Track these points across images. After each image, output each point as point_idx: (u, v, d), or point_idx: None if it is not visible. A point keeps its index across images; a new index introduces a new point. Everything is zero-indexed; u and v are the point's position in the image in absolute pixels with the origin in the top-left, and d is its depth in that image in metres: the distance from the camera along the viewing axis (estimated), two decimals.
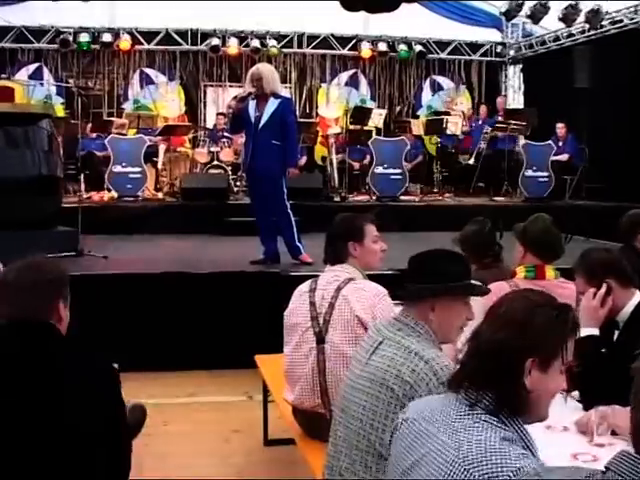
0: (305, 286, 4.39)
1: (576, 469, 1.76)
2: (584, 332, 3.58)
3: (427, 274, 3.14)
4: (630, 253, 5.99)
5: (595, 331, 3.74)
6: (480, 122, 16.26)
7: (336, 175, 13.92)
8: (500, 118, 15.45)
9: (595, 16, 14.13)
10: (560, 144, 14.32)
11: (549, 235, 4.78)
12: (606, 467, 1.63)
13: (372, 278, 4.47)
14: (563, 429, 3.42)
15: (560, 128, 14.49)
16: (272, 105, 8.44)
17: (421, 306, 3.10)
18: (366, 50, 17.56)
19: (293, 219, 8.67)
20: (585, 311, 3.73)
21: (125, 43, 16.43)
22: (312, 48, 17.72)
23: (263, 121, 8.43)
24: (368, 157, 13.93)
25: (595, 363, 3.43)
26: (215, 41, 16.78)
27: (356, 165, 14.43)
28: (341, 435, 3.17)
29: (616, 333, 3.88)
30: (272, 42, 17.02)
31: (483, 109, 16.85)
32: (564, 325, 2.23)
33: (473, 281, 3.23)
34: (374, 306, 4.07)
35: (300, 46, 17.64)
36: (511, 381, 2.17)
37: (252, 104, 8.42)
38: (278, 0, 15.52)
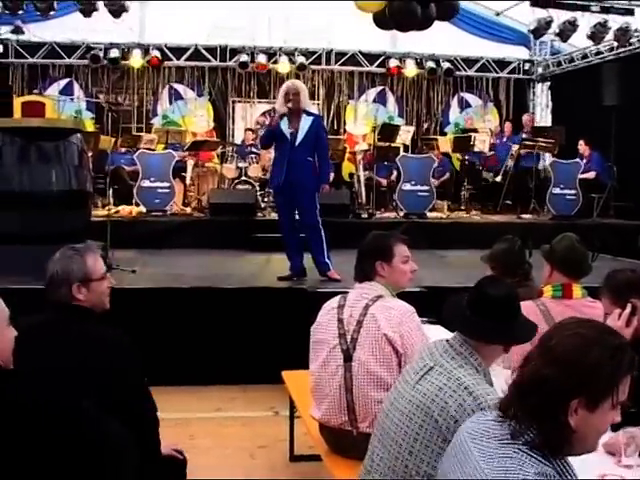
0: (334, 302, 4.38)
1: None
2: None
3: (496, 313, 3.09)
4: None
5: None
6: (505, 139, 16.23)
7: (363, 192, 13.94)
8: (525, 135, 15.41)
9: (624, 34, 14.10)
10: (584, 161, 14.26)
11: (575, 253, 4.75)
12: None
13: (399, 296, 4.48)
14: None
15: (581, 145, 14.45)
16: (306, 122, 8.52)
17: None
18: (394, 67, 17.60)
19: (324, 235, 8.69)
20: None
21: (155, 59, 16.55)
22: (340, 65, 17.79)
23: (299, 138, 8.50)
24: (395, 174, 13.93)
25: None
26: (244, 57, 16.90)
27: (383, 182, 14.44)
28: (379, 454, 3.16)
29: None
30: (301, 58, 17.10)
31: (508, 126, 16.82)
32: (618, 366, 2.15)
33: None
34: (402, 324, 4.07)
35: (328, 62, 17.71)
36: (554, 419, 2.13)
37: (284, 120, 8.48)
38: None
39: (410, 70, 17.70)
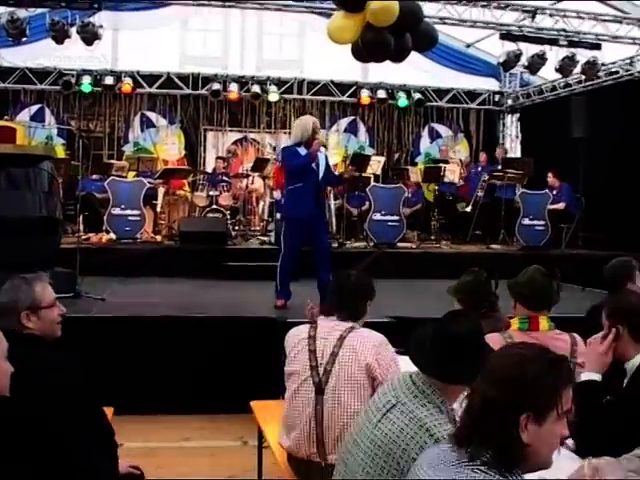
0: (302, 332, 4.39)
1: None
2: (585, 376, 3.60)
3: (460, 352, 3.06)
4: None
5: (597, 376, 3.74)
6: (480, 169, 16.36)
7: (334, 221, 13.95)
8: (500, 167, 15.54)
9: (591, 67, 14.28)
10: (554, 192, 14.38)
11: (535, 285, 4.77)
12: None
13: (369, 326, 4.51)
14: None
15: (550, 177, 14.59)
16: (322, 157, 8.90)
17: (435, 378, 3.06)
18: (365, 97, 17.72)
19: None
20: (591, 355, 3.74)
21: (127, 86, 16.55)
22: (312, 94, 17.86)
23: (321, 172, 8.83)
24: (367, 204, 13.99)
25: (594, 411, 3.42)
26: (216, 86, 16.92)
27: (354, 211, 14.48)
28: None
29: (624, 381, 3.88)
30: (272, 88, 17.17)
31: (483, 156, 16.94)
32: (557, 378, 2.25)
33: None
34: (379, 353, 4.12)
35: (300, 92, 17.78)
36: (507, 438, 2.20)
37: (304, 153, 8.65)
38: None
39: (381, 100, 17.82)
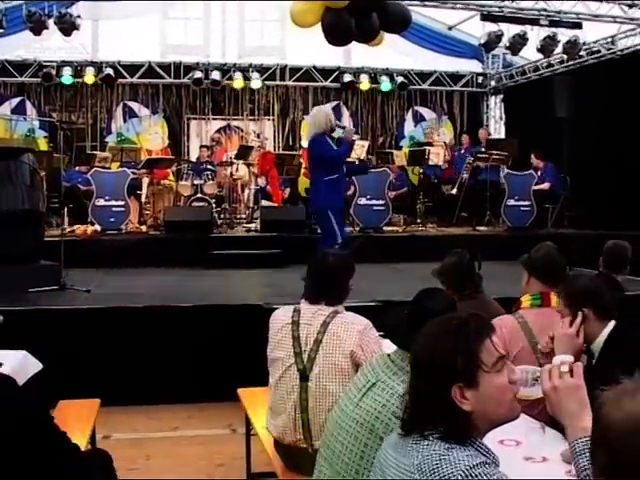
0: (285, 317, 4.34)
1: None
2: (558, 360, 3.61)
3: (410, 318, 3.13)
4: (611, 284, 6.04)
5: (570, 358, 3.74)
6: (463, 151, 16.36)
7: None
8: (483, 149, 15.52)
9: (573, 47, 14.27)
10: (539, 173, 14.39)
11: (551, 260, 4.82)
12: None
13: (355, 310, 4.49)
14: (542, 459, 3.43)
15: (533, 158, 14.58)
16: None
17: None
18: (348, 82, 17.66)
19: None
20: (561, 339, 3.75)
21: (109, 77, 16.44)
22: (294, 80, 17.82)
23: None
24: (352, 188, 13.95)
25: None
26: (198, 74, 16.85)
27: None
28: (325, 471, 3.15)
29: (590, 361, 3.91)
30: (255, 75, 17.11)
31: (465, 139, 16.97)
32: (466, 341, 2.26)
33: None
34: (362, 338, 4.09)
35: (282, 78, 17.73)
36: (450, 414, 2.23)
37: (332, 143, 8.84)
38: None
39: (364, 84, 17.79)
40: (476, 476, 2.05)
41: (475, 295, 5.23)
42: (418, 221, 14.56)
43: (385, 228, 13.44)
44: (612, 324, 3.89)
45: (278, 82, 17.72)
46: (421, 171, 15.38)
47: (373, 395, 3.03)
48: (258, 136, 16.51)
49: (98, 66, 16.56)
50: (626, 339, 3.80)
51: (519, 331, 4.39)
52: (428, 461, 2.14)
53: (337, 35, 9.90)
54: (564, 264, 4.90)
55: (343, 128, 9.31)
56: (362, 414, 3.02)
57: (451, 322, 2.36)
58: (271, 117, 17.73)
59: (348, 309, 4.46)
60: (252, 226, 13.20)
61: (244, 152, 14.65)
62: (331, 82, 17.97)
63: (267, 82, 17.51)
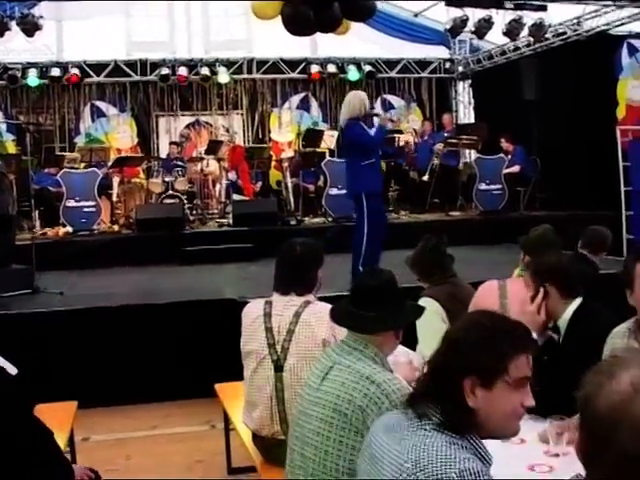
0: (257, 309, 4.34)
1: None
2: None
3: (370, 303, 3.14)
4: (582, 263, 6.11)
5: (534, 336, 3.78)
6: (425, 138, 16.36)
7: (292, 199, 13.91)
8: (446, 134, 15.54)
9: (538, 29, 14.29)
10: (509, 156, 14.44)
11: (547, 240, 4.91)
12: None
13: (329, 300, 4.48)
14: (520, 441, 3.44)
15: (503, 142, 14.63)
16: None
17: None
18: (315, 73, 17.63)
19: None
20: (522, 315, 3.78)
21: (75, 77, 16.31)
22: (262, 73, 17.75)
23: None
24: (323, 179, 13.94)
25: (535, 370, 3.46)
26: (164, 70, 16.75)
27: (311, 187, 14.46)
28: (297, 463, 3.15)
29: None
30: (222, 69, 17.03)
31: (427, 125, 17.03)
32: (503, 344, 2.23)
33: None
34: (334, 328, 4.05)
35: (250, 72, 17.67)
36: (453, 400, 2.22)
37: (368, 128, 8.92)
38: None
39: (332, 75, 17.76)
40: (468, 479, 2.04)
41: (445, 280, 5.24)
42: (390, 209, 14.53)
43: None
44: (578, 301, 3.92)
45: (246, 75, 17.65)
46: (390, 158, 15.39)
47: (331, 377, 3.07)
48: (227, 130, 16.45)
49: (64, 66, 16.39)
50: (592, 316, 3.83)
51: (495, 290, 4.47)
52: (425, 454, 2.13)
53: (297, 26, 9.91)
54: (560, 244, 4.98)
55: (377, 116, 9.44)
56: (323, 396, 3.05)
57: (502, 319, 2.36)
58: (240, 111, 17.67)
59: (323, 299, 4.46)
60: (224, 221, 13.14)
61: (214, 147, 14.60)
62: (299, 74, 17.90)
63: (234, 76, 17.42)
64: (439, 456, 2.11)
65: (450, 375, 2.25)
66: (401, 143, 15.07)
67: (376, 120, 9.22)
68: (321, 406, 3.04)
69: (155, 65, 17.00)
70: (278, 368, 4.17)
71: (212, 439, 6.38)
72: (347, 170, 9.22)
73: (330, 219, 13.30)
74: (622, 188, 10.85)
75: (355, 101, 8.90)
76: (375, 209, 8.91)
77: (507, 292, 4.67)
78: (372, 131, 8.86)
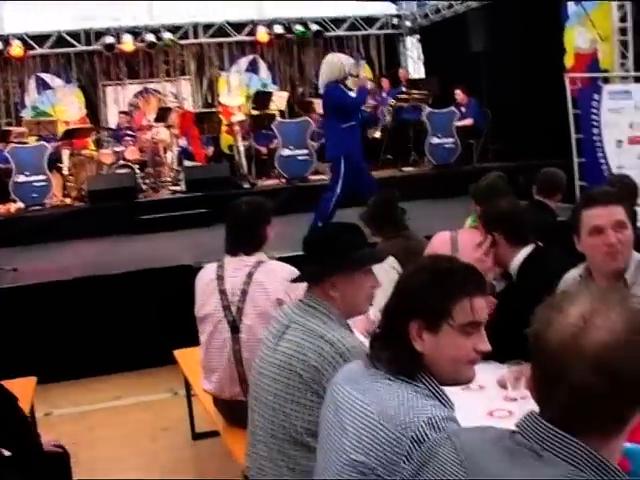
0: (210, 273, 4.34)
1: (484, 429, 1.75)
2: None
3: (319, 252, 3.10)
4: (540, 210, 6.15)
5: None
6: (385, 95, 16.31)
7: (244, 162, 13.79)
8: (404, 89, 15.51)
9: None
10: (462, 109, 14.45)
11: (496, 188, 4.94)
12: (517, 426, 1.62)
13: (285, 260, 4.49)
14: (479, 388, 3.47)
15: (458, 94, 14.63)
16: None
17: (321, 286, 3.07)
18: (262, 34, 17.46)
19: None
20: (471, 262, 3.80)
21: (17, 49, 16.01)
22: (208, 37, 17.52)
23: None
24: (275, 141, 13.87)
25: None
26: (109, 39, 16.48)
27: (263, 150, 14.36)
28: (257, 424, 3.14)
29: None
30: (167, 35, 16.79)
31: (385, 82, 16.92)
32: (444, 286, 2.23)
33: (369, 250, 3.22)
34: (288, 286, 4.04)
35: (196, 36, 17.44)
36: (400, 345, 2.22)
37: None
38: None
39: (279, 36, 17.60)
40: (439, 428, 2.04)
41: (399, 233, 5.25)
42: None
43: (311, 177, 13.35)
44: (529, 248, 3.94)
45: (192, 40, 17.41)
46: None
47: (288, 337, 3.03)
48: (176, 97, 16.29)
49: (5, 39, 16.05)
50: (543, 262, 3.85)
51: (447, 241, 4.49)
52: (391, 404, 2.13)
53: None
54: (510, 192, 5.00)
55: (357, 77, 9.43)
56: (279, 357, 3.02)
57: (443, 263, 2.34)
58: (188, 76, 17.45)
59: (280, 260, 4.45)
60: (177, 188, 13.04)
61: (163, 114, 14.44)
62: (246, 36, 17.71)
63: (181, 41, 17.20)
64: (406, 405, 2.11)
65: (397, 319, 2.25)
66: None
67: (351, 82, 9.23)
68: (277, 367, 3.02)
69: (99, 34, 16.68)
70: (235, 329, 4.17)
71: (175, 406, 6.38)
72: (327, 132, 9.34)
73: (284, 180, 13.25)
74: (573, 136, 10.88)
75: (334, 64, 8.93)
76: (355, 171, 8.96)
77: (459, 243, 4.68)
78: (352, 93, 8.89)
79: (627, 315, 1.53)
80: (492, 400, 3.32)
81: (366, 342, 2.62)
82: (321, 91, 9.64)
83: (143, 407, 6.73)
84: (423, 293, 2.22)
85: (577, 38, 13.20)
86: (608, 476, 1.50)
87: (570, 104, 10.75)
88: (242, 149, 13.86)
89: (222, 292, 4.22)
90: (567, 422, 1.52)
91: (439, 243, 4.85)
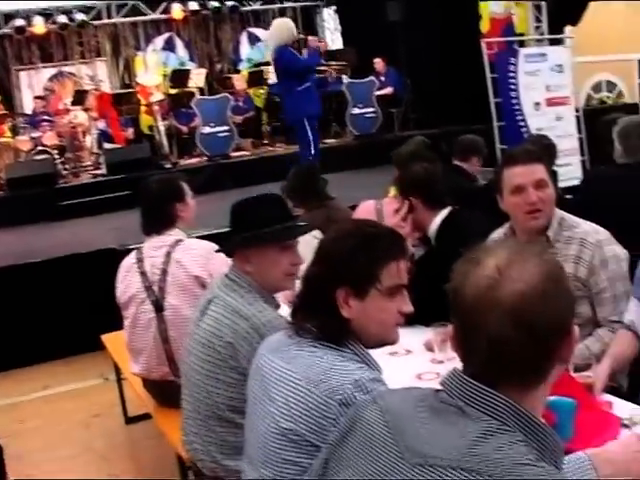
0: (130, 259, 4.33)
1: (408, 390, 1.74)
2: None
3: (237, 224, 3.06)
4: (456, 174, 6.20)
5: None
6: None
7: (165, 142, 13.64)
8: (322, 61, 15.47)
9: None
10: (382, 79, 14.48)
11: (417, 154, 4.94)
12: (441, 384, 1.61)
13: (209, 238, 4.46)
14: (406, 352, 3.49)
15: (377, 63, 14.66)
16: None
17: (237, 259, 3.05)
18: (177, 11, 17.23)
19: None
20: None
21: None
22: (122, 17, 17.23)
23: None
24: (195, 119, 13.73)
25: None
26: (19, 22, 16.10)
27: (184, 128, 14.20)
28: (188, 401, 3.13)
29: None
30: (80, 16, 16.46)
31: (304, 53, 16.84)
32: (369, 252, 2.22)
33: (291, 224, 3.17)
34: (208, 262, 4.06)
35: (109, 16, 17.13)
36: (327, 312, 2.21)
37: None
38: None
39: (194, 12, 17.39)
40: (366, 389, 2.04)
41: (321, 204, 5.23)
42: (266, 142, 14.50)
43: (233, 154, 13.32)
44: (445, 211, 3.96)
45: (105, 20, 17.11)
46: (262, 92, 15.26)
47: (210, 312, 3.00)
48: (92, 79, 16.01)
49: None
50: (461, 223, 3.87)
51: (372, 212, 4.50)
52: (317, 370, 2.13)
53: None
54: (432, 157, 5.00)
55: (307, 39, 9.52)
56: (201, 333, 3.00)
57: (367, 229, 2.32)
58: (103, 58, 17.19)
59: (203, 238, 4.42)
60: (98, 172, 12.85)
61: (80, 97, 14.20)
62: (161, 14, 17.46)
63: (94, 22, 16.88)
64: (332, 369, 2.12)
65: (323, 287, 2.23)
66: (269, 76, 14.92)
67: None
68: (200, 344, 3.00)
69: (9, 17, 16.29)
70: (159, 308, 4.14)
71: (106, 392, 6.27)
72: (284, 97, 9.46)
73: (205, 158, 13.17)
74: (492, 100, 10.95)
75: (282, 27, 8.98)
76: (316, 132, 9.24)
77: (383, 212, 4.69)
78: (303, 56, 8.97)
79: (544, 267, 1.53)
80: (420, 363, 3.35)
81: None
82: (271, 56, 9.74)
83: (74, 395, 6.61)
84: (350, 259, 2.21)
85: (492, 4, 13.29)
86: (531, 428, 1.50)
87: (487, 69, 10.80)
88: (162, 129, 13.70)
89: (143, 274, 4.19)
90: (488, 376, 1.52)
91: (364, 212, 4.84)
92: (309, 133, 9.10)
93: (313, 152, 9.11)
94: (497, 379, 1.51)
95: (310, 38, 9.57)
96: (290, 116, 9.34)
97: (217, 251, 3.33)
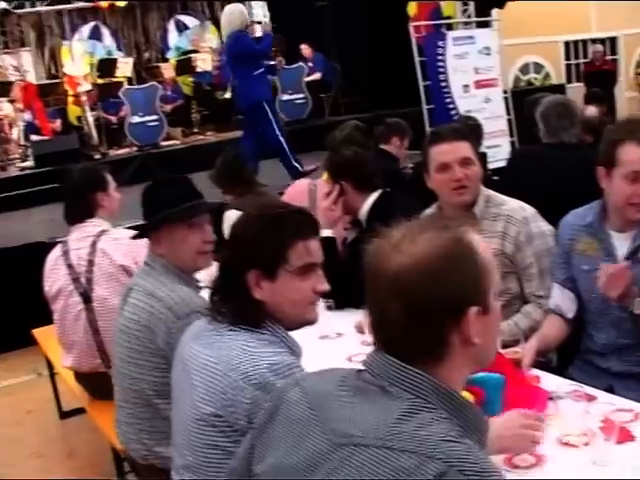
0: (56, 252, 4.31)
1: (331, 371, 1.74)
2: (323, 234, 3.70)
3: (147, 209, 3.05)
4: (383, 157, 6.25)
5: (328, 232, 3.86)
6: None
7: (94, 132, 13.47)
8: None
9: None
10: (310, 64, 14.49)
11: (348, 139, 4.99)
12: (363, 363, 1.62)
13: (139, 228, 4.39)
14: (337, 335, 3.51)
15: (304, 49, 14.68)
16: None
17: (151, 242, 3.04)
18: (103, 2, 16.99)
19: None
20: (320, 213, 3.83)
21: None
22: (46, 5, 16.89)
23: None
24: (124, 109, 13.58)
25: (332, 266, 3.47)
26: None
27: (113, 119, 14.04)
28: (118, 391, 3.12)
29: None
30: (2, 4, 16.12)
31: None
32: (276, 233, 2.22)
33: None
34: (133, 251, 4.04)
35: (33, 5, 16.78)
36: (240, 295, 2.22)
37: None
38: None
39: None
40: (282, 373, 2.06)
41: (249, 190, 5.22)
42: (196, 130, 14.42)
43: (163, 143, 13.23)
44: (376, 194, 3.99)
45: (29, 9, 16.76)
46: (192, 80, 15.17)
47: (130, 300, 3.00)
48: (17, 69, 15.73)
49: None
50: (390, 204, 3.90)
51: (304, 192, 4.50)
52: (235, 354, 2.13)
53: None
54: (364, 142, 5.03)
55: (259, 23, 9.51)
56: (123, 322, 3.00)
57: (272, 211, 2.31)
58: (28, 48, 16.83)
59: (134, 228, 4.38)
60: (26, 164, 12.64)
61: (4, 88, 13.92)
62: (86, 2, 17.17)
63: (17, 10, 16.54)
64: (248, 353, 2.13)
65: (235, 271, 2.25)
66: (197, 64, 14.84)
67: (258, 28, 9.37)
68: (122, 332, 3.00)
69: None
70: (87, 299, 4.13)
71: (40, 387, 6.22)
72: (239, 83, 9.42)
73: (135, 148, 13.03)
74: (420, 83, 11.02)
75: (234, 13, 9.03)
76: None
77: (317, 193, 4.71)
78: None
79: (439, 242, 1.51)
80: (351, 346, 3.37)
81: None
82: (224, 42, 9.84)
83: (7, 391, 6.54)
84: (258, 242, 2.22)
85: None
86: (454, 405, 1.51)
87: (416, 52, 10.87)
88: (91, 119, 13.53)
89: (69, 266, 4.17)
90: (397, 353, 1.52)
91: (296, 192, 4.85)
92: (270, 115, 9.21)
93: (278, 132, 9.27)
94: (405, 354, 1.51)
95: (263, 22, 9.64)
96: (246, 100, 9.30)
97: (133, 237, 3.31)
